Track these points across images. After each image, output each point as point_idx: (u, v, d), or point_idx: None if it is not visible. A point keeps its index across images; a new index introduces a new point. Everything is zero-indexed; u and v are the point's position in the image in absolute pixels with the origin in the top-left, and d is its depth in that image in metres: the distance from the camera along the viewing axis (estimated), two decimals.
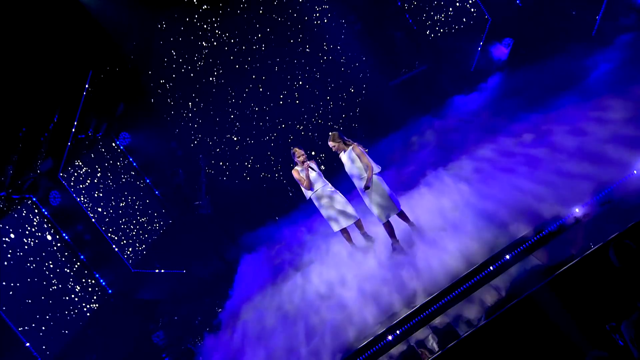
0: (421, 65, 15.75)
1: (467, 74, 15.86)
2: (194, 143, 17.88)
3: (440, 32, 16.64)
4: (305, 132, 17.52)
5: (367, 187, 9.01)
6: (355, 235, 10.07)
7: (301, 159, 9.67)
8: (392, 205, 9.18)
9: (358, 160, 9.12)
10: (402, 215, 9.48)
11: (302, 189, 9.68)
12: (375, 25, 17.18)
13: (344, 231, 9.88)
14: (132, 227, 15.63)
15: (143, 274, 14.74)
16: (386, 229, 9.38)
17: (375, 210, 9.20)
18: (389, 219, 9.26)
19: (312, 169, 9.63)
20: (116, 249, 14.49)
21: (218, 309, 11.70)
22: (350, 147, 9.20)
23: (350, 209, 9.73)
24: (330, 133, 9.36)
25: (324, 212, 9.68)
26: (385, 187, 9.20)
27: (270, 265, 12.31)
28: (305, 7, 16.98)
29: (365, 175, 9.12)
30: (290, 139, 17.86)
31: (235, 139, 17.84)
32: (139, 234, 15.77)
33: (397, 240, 9.42)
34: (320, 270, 10.22)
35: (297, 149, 9.70)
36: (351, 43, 17.66)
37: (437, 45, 16.80)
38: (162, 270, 15.21)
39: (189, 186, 15.04)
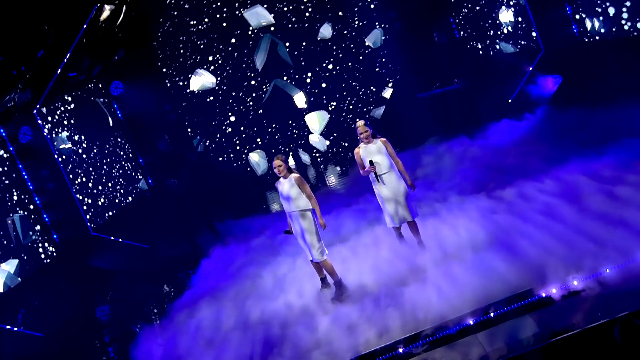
0: (458, 83, 15.59)
1: (505, 102, 15.81)
2: (190, 111, 17.82)
3: (486, 52, 16.61)
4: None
5: (413, 187, 9.45)
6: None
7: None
8: (408, 212, 9.35)
9: (385, 155, 9.36)
10: (413, 227, 9.59)
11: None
12: (416, 28, 17.20)
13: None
14: (102, 186, 15.57)
15: (102, 240, 14.66)
16: (396, 232, 9.64)
17: (390, 209, 9.35)
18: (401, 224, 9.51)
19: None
20: (79, 205, 14.34)
21: (175, 296, 11.61)
22: (382, 141, 9.44)
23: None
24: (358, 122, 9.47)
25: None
26: (406, 189, 9.43)
27: (245, 260, 12.26)
28: None
29: (390, 171, 9.33)
30: (295, 134, 18.02)
31: (238, 119, 17.74)
32: (109, 196, 15.73)
33: (403, 238, 9.72)
34: (298, 277, 10.21)
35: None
36: (386, 41, 17.62)
37: (480, 65, 16.79)
38: (125, 241, 15.13)
39: (173, 156, 14.85)
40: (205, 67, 17.48)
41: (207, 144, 18.07)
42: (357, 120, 9.58)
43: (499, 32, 16.07)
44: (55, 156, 14.09)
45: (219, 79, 17.63)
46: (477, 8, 16.58)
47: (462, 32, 17.15)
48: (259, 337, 8.66)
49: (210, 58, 17.61)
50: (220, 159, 18.08)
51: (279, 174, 9.26)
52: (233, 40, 17.67)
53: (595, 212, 8.80)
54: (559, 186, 10.36)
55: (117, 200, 16.02)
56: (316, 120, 17.34)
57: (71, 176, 14.52)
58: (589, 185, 9.83)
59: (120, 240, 15.02)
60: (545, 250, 8.22)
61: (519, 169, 11.94)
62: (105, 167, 15.95)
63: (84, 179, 15.02)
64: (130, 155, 17.16)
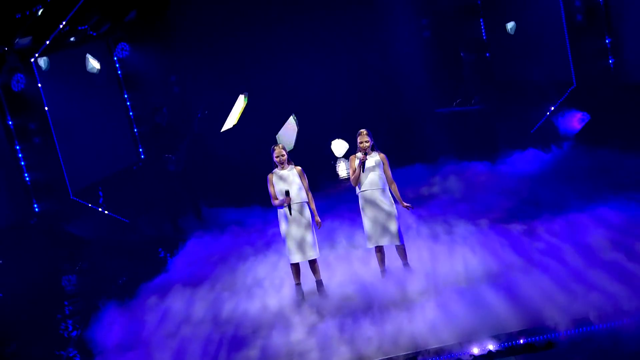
0: (479, 104, 15.56)
1: (528, 130, 15.74)
2: (197, 86, 17.77)
3: (514, 75, 16.51)
4: (326, 124, 17.39)
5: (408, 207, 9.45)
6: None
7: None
8: (396, 235, 9.32)
9: (381, 170, 9.36)
10: (399, 251, 9.51)
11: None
12: (446, 39, 17.25)
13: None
14: (91, 150, 15.47)
15: (81, 206, 14.58)
16: (377, 255, 9.53)
17: (371, 230, 9.32)
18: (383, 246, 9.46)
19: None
20: (62, 165, 14.25)
21: (148, 278, 11.54)
22: (381, 156, 9.47)
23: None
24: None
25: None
26: (396, 211, 9.39)
27: (228, 252, 12.22)
28: None
29: (381, 189, 9.30)
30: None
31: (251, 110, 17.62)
32: (96, 161, 15.63)
33: (385, 271, 9.54)
34: (280, 278, 10.19)
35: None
36: (414, 48, 17.72)
37: (507, 88, 16.69)
38: (105, 211, 15.04)
39: (170, 131, 14.78)
40: (223, 47, 17.42)
41: (208, 125, 17.79)
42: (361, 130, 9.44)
43: (531, 57, 15.97)
44: (46, 109, 14.00)
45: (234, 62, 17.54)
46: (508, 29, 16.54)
47: (492, 52, 17.07)
48: (226, 336, 8.53)
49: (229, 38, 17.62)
50: (222, 144, 17.74)
51: (280, 164, 9.37)
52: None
53: (608, 265, 8.65)
54: (575, 229, 10.18)
55: (103, 168, 15.91)
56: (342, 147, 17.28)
57: (59, 134, 14.39)
58: (607, 234, 9.66)
59: (99, 209, 14.92)
60: (544, 294, 8.11)
61: (536, 203, 11.80)
62: (96, 131, 15.82)
63: (72, 140, 14.91)
64: (125, 123, 17.02)
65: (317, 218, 9.37)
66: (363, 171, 9.33)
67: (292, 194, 9.29)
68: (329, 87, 17.89)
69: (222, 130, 13.72)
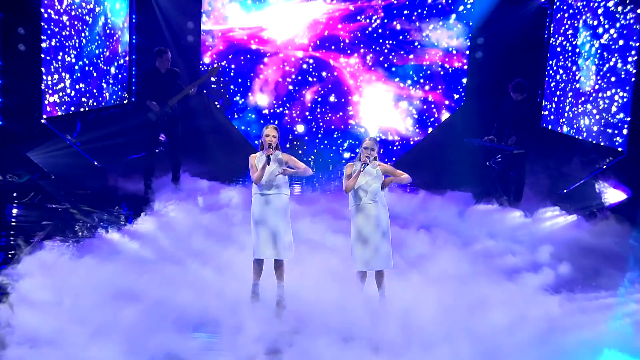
0: (515, 146, 15.23)
1: (559, 189, 15.57)
2: (216, 41, 17.53)
3: (562, 126, 16.25)
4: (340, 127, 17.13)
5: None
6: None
7: (268, 139, 9.19)
8: (388, 259, 9.19)
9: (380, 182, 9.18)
10: (379, 276, 9.26)
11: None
12: (499, 66, 17.15)
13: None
14: (78, 77, 15.48)
15: (51, 133, 14.46)
16: (359, 278, 9.25)
17: (361, 251, 9.12)
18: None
19: (270, 159, 9.17)
20: (42, 83, 14.08)
21: (91, 231, 11.57)
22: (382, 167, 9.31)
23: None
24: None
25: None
26: (389, 229, 9.30)
27: (191, 229, 11.93)
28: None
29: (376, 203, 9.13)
30: (314, 127, 18.37)
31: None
32: (80, 91, 15.66)
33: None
34: (239, 275, 9.72)
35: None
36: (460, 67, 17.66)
37: (548, 137, 16.50)
38: (74, 145, 14.95)
39: (167, 80, 14.45)
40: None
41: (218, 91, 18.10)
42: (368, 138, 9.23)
43: (586, 113, 15.67)
44: (42, 10, 13.87)
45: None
46: (571, 76, 16.23)
47: (546, 97, 16.90)
48: (144, 321, 8.13)
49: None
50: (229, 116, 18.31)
51: (268, 147, 9.18)
52: None
53: None
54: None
55: (86, 100, 15.85)
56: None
57: (48, 49, 14.26)
58: None
59: (69, 141, 14.78)
60: None
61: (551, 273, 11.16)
62: (91, 58, 15.80)
63: (62, 58, 14.80)
64: (125, 59, 17.09)
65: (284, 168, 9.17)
66: (363, 169, 9.04)
67: (274, 184, 9.14)
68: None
69: (172, 100, 13.91)
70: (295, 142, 18.54)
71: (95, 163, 15.13)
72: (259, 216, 9.20)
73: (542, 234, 13.25)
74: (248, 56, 18.30)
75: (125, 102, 17.31)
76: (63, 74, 14.87)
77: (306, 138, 18.64)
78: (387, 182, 9.16)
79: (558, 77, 16.91)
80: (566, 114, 16.35)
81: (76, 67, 15.29)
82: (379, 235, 9.10)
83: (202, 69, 17.84)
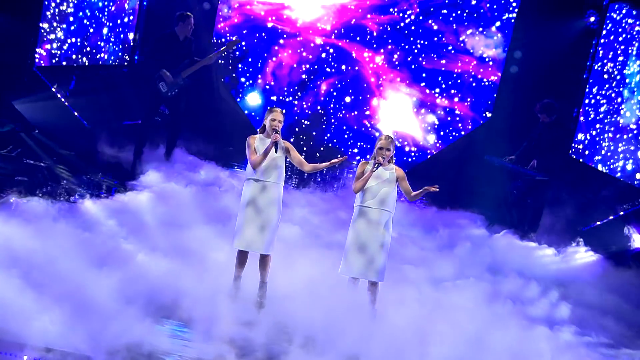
0: (536, 172, 15.11)
1: (578, 229, 15.28)
2: (232, 12, 17.51)
3: (594, 162, 16.24)
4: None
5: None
6: None
7: (274, 124, 9.18)
8: (381, 271, 9.11)
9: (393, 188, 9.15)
10: (373, 288, 9.17)
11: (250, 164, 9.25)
12: (534, 85, 17.03)
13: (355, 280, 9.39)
14: (79, 31, 15.38)
15: (41, 84, 14.32)
16: (350, 284, 9.30)
17: (354, 257, 9.07)
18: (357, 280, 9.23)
19: (277, 145, 9.16)
20: (40, 29, 13.98)
21: (66, 196, 11.59)
22: (397, 170, 9.29)
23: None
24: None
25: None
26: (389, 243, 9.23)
27: (176, 208, 11.99)
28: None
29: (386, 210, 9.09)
30: (324, 122, 18.30)
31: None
32: (77, 46, 15.48)
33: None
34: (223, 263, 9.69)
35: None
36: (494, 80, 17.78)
37: (577, 169, 16.48)
38: (67, 100, 14.85)
39: (182, 46, 14.36)
40: None
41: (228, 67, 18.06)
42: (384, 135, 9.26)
43: (626, 152, 15.55)
44: None
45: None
46: (614, 108, 16.14)
47: (580, 133, 16.89)
48: (109, 299, 7.97)
49: None
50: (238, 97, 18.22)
51: (273, 132, 9.13)
52: None
53: None
54: None
55: (83, 55, 15.72)
56: None
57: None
58: None
59: (60, 95, 14.66)
60: None
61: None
62: (93, 10, 15.69)
63: (64, 9, 14.68)
64: (131, 18, 17.04)
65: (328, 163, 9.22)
66: (375, 169, 8.94)
67: (273, 171, 9.10)
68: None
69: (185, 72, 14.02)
70: (301, 136, 18.17)
71: (85, 123, 15.03)
72: (252, 203, 9.11)
73: (555, 270, 13.26)
74: (263, 34, 18.05)
75: (125, 63, 17.19)
76: (60, 24, 14.75)
77: (314, 133, 18.33)
78: (419, 194, 8.99)
79: (599, 107, 16.76)
80: (603, 151, 16.25)
81: (72, 19, 15.19)
82: (377, 245, 9.02)
83: (214, 41, 17.64)
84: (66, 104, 14.76)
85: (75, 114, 14.97)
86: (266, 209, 9.09)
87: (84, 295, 7.81)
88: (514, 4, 17.76)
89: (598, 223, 15.23)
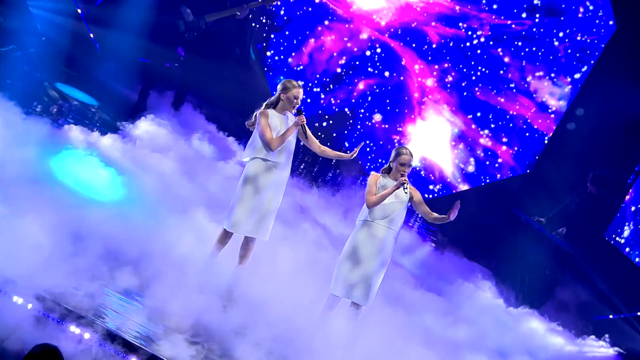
0: (563, 240, 15.13)
1: (590, 316, 15.46)
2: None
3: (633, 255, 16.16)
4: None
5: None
6: None
7: (297, 101, 9.20)
8: (370, 296, 9.20)
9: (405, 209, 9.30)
10: (356, 310, 9.31)
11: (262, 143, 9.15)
12: (588, 146, 17.05)
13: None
14: None
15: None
16: (328, 303, 9.42)
17: (345, 276, 9.16)
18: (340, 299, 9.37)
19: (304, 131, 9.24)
20: None
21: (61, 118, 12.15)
22: (413, 190, 9.42)
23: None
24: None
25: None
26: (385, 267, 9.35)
27: (170, 173, 12.41)
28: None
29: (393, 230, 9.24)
30: (349, 126, 18.43)
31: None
32: None
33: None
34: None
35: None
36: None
37: (606, 251, 16.43)
38: (86, 16, 14.90)
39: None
40: None
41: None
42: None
43: None
44: None
45: None
46: None
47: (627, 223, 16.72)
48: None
49: None
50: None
51: (291, 107, 9.21)
52: None
53: None
54: None
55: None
56: None
57: None
58: None
59: (78, 7, 14.68)
60: None
61: None
62: None
63: None
64: None
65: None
66: (404, 188, 9.08)
67: (286, 153, 9.16)
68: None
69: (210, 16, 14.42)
70: (319, 134, 18.03)
71: (97, 46, 15.01)
72: (257, 183, 9.12)
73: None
74: (310, 9, 17.88)
75: None
76: None
77: (334, 134, 18.26)
78: (440, 219, 9.20)
79: None
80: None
81: None
82: (376, 264, 9.08)
83: None
84: (82, 19, 14.80)
85: (91, 35, 14.95)
86: (271, 191, 9.15)
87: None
88: (592, 61, 17.62)
89: (611, 316, 15.33)
